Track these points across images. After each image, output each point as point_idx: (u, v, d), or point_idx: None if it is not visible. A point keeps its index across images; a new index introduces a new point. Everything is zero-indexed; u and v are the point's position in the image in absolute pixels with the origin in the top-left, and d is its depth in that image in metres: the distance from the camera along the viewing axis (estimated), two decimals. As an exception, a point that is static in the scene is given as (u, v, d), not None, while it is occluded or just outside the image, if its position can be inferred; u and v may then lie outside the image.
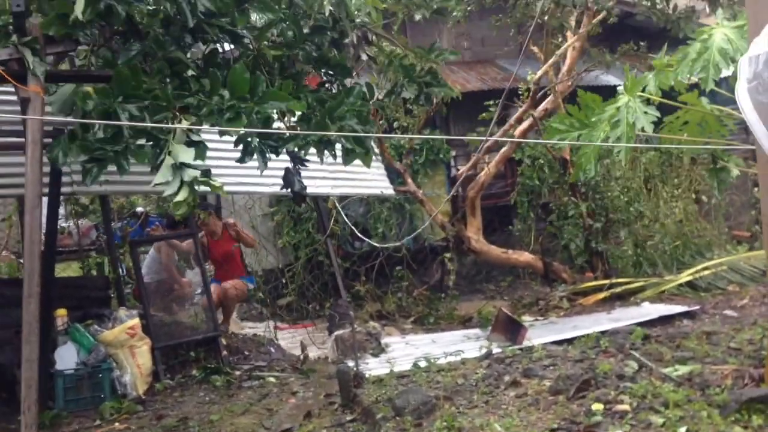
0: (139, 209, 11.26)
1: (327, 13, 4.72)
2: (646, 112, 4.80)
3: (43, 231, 5.52)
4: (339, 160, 7.55)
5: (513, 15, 9.55)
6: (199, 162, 4.04)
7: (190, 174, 3.84)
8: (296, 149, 4.72)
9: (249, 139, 4.37)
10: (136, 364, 6.31)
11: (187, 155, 3.91)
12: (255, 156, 4.42)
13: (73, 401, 5.98)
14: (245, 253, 9.13)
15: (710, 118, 5.13)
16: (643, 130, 4.81)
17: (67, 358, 6.11)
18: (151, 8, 4.36)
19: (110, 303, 7.30)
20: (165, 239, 8.38)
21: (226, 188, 6.95)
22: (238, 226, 8.73)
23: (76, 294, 6.96)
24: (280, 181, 7.05)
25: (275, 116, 4.43)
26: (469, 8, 9.22)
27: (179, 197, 3.84)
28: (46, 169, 5.69)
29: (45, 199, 5.86)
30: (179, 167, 3.87)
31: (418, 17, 6.47)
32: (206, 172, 3.99)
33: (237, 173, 6.72)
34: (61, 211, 9.72)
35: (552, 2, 8.16)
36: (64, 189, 6.29)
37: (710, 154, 4.80)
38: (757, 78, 1.35)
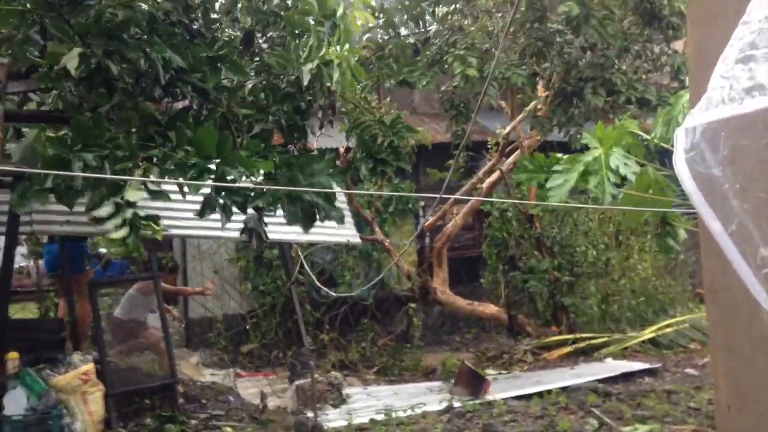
0: (102, 251, 11.06)
1: (305, 82, 4.66)
2: (626, 164, 4.76)
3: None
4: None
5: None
6: (151, 204, 3.93)
7: (131, 212, 3.73)
8: (263, 205, 4.62)
9: (212, 196, 4.27)
10: (88, 411, 6.11)
11: (136, 195, 3.80)
12: (217, 210, 4.33)
13: (20, 449, 5.77)
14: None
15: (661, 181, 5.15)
16: (625, 178, 4.75)
17: (16, 403, 5.88)
18: (124, 66, 4.28)
19: (64, 346, 7.11)
20: (127, 281, 8.23)
21: (190, 232, 6.90)
22: None
23: (30, 336, 6.77)
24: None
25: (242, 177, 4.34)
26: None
27: (117, 234, 3.72)
28: (5, 208, 5.62)
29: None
30: (123, 204, 3.76)
31: (387, 85, 6.53)
32: (153, 217, 3.89)
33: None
34: (23, 250, 9.55)
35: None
36: (23, 228, 6.16)
37: (660, 217, 4.79)
38: (695, 149, 1.38)
